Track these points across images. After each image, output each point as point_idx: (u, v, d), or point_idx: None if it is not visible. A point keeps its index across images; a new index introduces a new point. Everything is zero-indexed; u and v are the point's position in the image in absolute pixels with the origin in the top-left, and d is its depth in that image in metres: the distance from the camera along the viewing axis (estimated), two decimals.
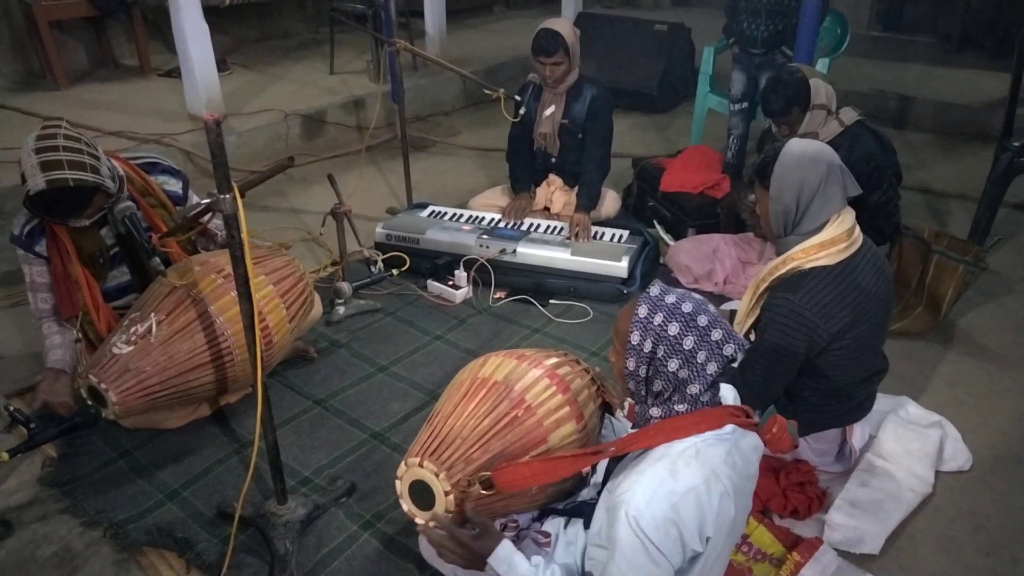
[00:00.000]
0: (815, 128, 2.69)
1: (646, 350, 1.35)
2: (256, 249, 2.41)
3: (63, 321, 2.30)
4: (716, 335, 1.32)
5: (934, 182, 4.27)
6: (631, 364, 1.38)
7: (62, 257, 2.20)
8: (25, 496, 2.16)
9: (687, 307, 1.34)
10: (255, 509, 2.02)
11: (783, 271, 1.90)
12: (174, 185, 2.42)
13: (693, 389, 1.32)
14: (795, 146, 1.89)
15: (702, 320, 1.33)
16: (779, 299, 1.87)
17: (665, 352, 1.33)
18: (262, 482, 2.16)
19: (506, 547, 1.48)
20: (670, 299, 1.36)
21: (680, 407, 1.35)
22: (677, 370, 1.33)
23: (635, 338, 1.36)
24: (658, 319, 1.34)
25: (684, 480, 1.28)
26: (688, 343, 1.32)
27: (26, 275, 2.29)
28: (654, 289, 1.39)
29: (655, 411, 1.38)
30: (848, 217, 1.88)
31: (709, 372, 1.32)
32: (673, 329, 1.32)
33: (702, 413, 1.35)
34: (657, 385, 1.37)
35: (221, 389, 2.28)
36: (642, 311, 1.36)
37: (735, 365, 1.38)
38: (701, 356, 1.32)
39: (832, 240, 1.85)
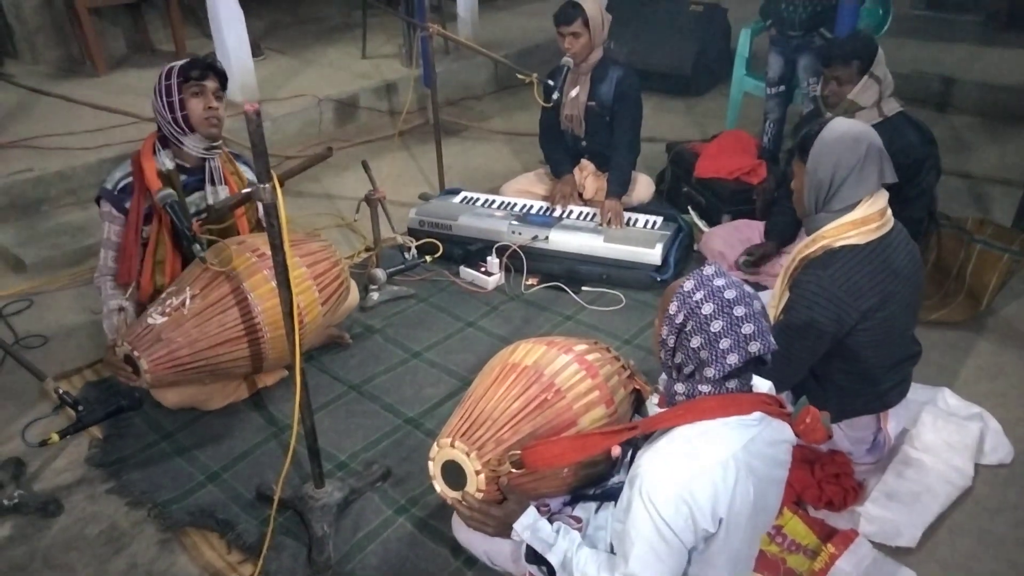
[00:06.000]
0: (862, 103, 2.61)
1: (677, 321, 1.37)
2: (292, 234, 2.45)
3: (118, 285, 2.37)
4: (747, 329, 1.31)
5: (977, 167, 4.16)
6: (664, 331, 1.41)
7: (135, 223, 2.28)
8: (73, 476, 2.23)
9: (730, 294, 1.34)
10: (293, 492, 2.06)
11: (813, 249, 1.89)
12: (250, 174, 2.53)
13: (709, 372, 1.33)
14: (839, 124, 1.89)
15: (739, 311, 1.32)
16: (809, 275, 1.87)
17: (692, 327, 1.34)
18: (300, 466, 2.20)
19: (530, 514, 1.53)
20: (718, 282, 1.36)
21: (704, 388, 1.36)
22: (698, 348, 1.33)
23: (673, 307, 1.38)
24: (698, 296, 1.35)
25: (700, 460, 1.30)
26: (715, 326, 1.32)
27: (104, 231, 2.36)
28: (708, 268, 1.40)
29: (679, 387, 1.40)
30: (881, 198, 1.87)
31: (729, 362, 1.31)
32: (707, 309, 1.33)
33: (731, 397, 1.36)
34: (679, 358, 1.39)
35: (254, 366, 2.33)
36: (687, 285, 1.38)
37: (766, 365, 1.37)
38: (724, 343, 1.31)
39: (864, 219, 1.84)
